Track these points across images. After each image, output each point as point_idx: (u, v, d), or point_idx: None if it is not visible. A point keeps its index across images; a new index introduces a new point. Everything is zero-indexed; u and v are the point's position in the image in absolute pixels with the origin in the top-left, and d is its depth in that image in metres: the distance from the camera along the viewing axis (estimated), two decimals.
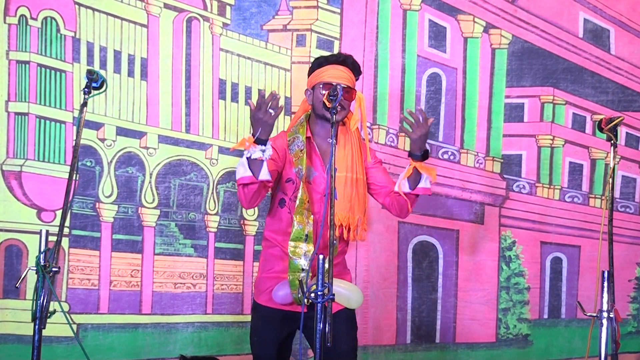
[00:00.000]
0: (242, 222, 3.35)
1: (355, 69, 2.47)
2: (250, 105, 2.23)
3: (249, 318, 3.27)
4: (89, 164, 3.10)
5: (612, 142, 2.45)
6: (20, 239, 2.99)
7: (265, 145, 2.22)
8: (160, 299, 3.19)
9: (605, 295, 2.31)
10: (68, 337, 2.98)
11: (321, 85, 2.40)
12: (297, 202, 2.37)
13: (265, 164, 2.24)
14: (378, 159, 2.54)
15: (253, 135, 2.21)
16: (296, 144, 2.43)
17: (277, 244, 2.44)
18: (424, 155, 2.37)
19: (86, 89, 2.26)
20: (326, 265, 2.10)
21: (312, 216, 2.37)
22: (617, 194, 3.66)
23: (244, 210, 3.34)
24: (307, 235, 2.35)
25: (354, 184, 2.39)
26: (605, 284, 2.31)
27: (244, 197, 2.31)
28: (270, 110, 2.17)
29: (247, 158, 2.24)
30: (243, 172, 2.26)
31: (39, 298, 2.06)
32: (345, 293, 2.34)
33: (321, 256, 2.06)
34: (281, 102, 2.38)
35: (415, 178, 2.40)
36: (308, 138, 2.44)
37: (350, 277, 2.51)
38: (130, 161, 3.17)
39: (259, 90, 2.12)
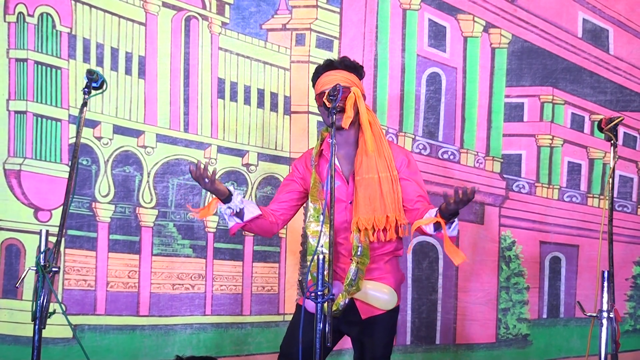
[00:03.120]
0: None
1: (349, 67, 2.44)
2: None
3: (248, 319, 3.30)
4: (85, 162, 3.08)
5: (612, 142, 2.43)
6: (18, 238, 2.98)
7: (229, 200, 2.35)
8: (158, 300, 3.17)
9: (605, 295, 2.29)
10: (65, 338, 2.97)
11: (317, 97, 2.43)
12: (309, 214, 2.40)
13: (245, 206, 2.37)
14: (412, 170, 2.46)
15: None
16: (313, 159, 2.47)
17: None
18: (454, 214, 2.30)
19: (86, 89, 2.24)
20: (357, 269, 2.22)
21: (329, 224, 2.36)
22: (614, 194, 3.67)
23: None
24: (322, 246, 2.34)
25: (375, 184, 2.36)
26: (605, 284, 2.29)
27: (257, 233, 2.57)
28: (206, 180, 2.26)
29: (224, 213, 2.39)
30: (228, 223, 2.41)
31: (39, 298, 2.05)
32: (373, 294, 2.35)
33: (321, 256, 2.05)
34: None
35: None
36: (321, 151, 2.46)
37: (392, 282, 2.43)
38: (128, 160, 3.15)
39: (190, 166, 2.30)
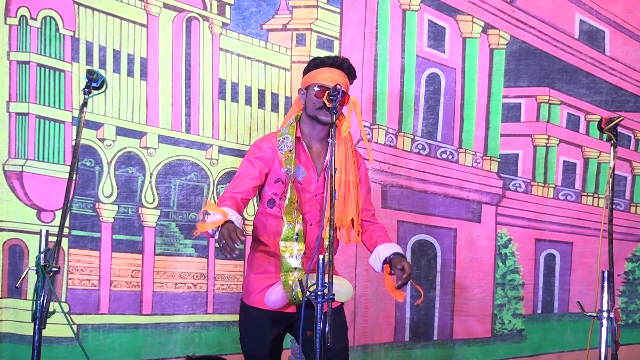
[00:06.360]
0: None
1: (351, 74, 2.48)
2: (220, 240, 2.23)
3: None
4: (88, 164, 3.08)
5: (612, 142, 2.45)
6: (21, 238, 2.98)
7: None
8: (161, 299, 3.19)
9: (605, 295, 2.30)
10: (68, 337, 2.98)
11: (316, 88, 2.40)
12: (286, 202, 2.39)
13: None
14: (367, 177, 2.55)
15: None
16: (285, 144, 2.44)
17: (268, 244, 2.46)
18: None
19: (86, 89, 2.24)
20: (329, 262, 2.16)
21: (301, 216, 2.40)
22: (609, 192, 3.73)
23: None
24: (297, 235, 2.38)
25: (347, 185, 2.41)
26: (606, 284, 2.31)
27: None
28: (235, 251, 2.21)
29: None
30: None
31: (39, 298, 2.07)
32: (337, 288, 2.35)
33: (321, 256, 2.08)
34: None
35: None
36: (298, 138, 2.46)
37: (344, 275, 2.55)
38: (130, 161, 3.16)
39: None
